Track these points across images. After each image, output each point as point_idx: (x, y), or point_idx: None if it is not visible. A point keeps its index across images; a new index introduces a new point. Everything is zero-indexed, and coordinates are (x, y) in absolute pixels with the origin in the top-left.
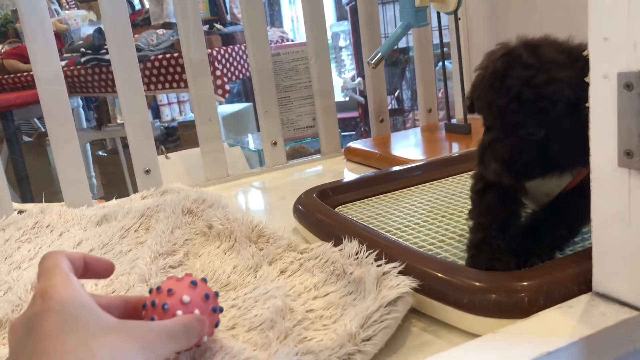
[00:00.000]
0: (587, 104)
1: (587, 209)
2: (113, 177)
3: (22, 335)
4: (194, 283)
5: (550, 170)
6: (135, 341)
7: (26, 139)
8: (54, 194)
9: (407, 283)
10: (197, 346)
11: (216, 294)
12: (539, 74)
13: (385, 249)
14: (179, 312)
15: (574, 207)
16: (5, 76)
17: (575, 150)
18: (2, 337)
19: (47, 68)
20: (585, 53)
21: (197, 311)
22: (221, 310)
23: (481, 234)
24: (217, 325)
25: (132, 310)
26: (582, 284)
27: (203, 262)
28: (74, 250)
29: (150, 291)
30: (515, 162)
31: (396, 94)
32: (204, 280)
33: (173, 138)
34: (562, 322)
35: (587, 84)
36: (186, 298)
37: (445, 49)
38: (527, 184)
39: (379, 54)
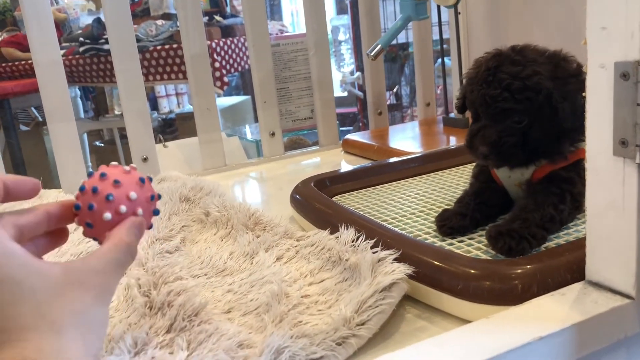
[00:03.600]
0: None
1: (566, 191)
2: None
3: None
4: (142, 180)
5: (530, 154)
6: (88, 292)
7: (23, 128)
8: (50, 182)
9: (402, 270)
10: None
11: (150, 179)
12: (525, 68)
13: (381, 236)
14: (123, 208)
15: (552, 189)
16: (3, 64)
17: (551, 136)
18: None
19: (47, 55)
20: (582, 43)
21: (140, 210)
22: (159, 197)
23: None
24: (156, 213)
25: (59, 217)
26: (575, 272)
27: (200, 248)
28: None
29: (91, 174)
30: (503, 145)
31: (395, 90)
32: (150, 179)
33: (171, 130)
34: (555, 309)
35: (559, 79)
36: (133, 195)
37: (445, 46)
38: (499, 175)
39: (379, 46)
